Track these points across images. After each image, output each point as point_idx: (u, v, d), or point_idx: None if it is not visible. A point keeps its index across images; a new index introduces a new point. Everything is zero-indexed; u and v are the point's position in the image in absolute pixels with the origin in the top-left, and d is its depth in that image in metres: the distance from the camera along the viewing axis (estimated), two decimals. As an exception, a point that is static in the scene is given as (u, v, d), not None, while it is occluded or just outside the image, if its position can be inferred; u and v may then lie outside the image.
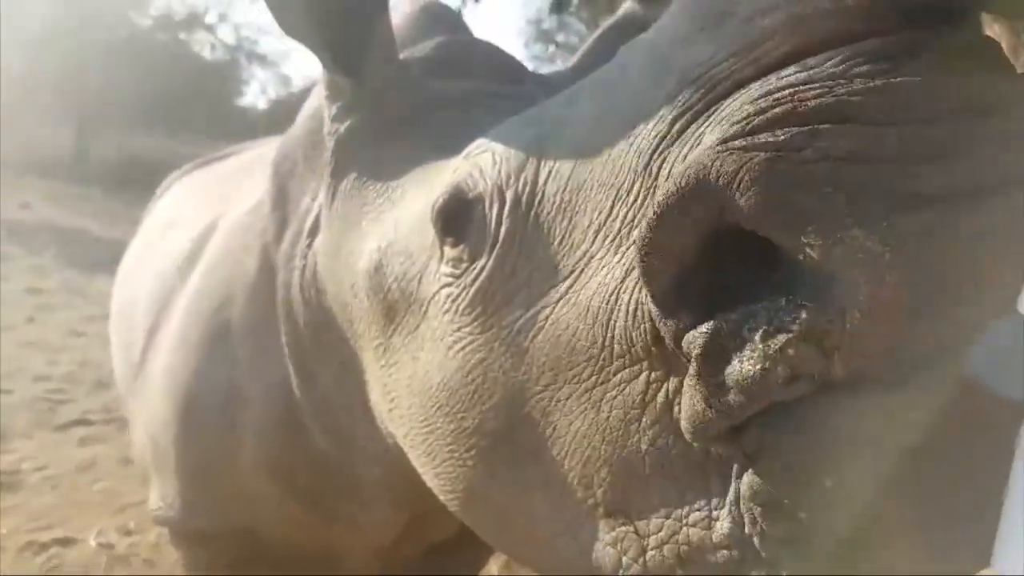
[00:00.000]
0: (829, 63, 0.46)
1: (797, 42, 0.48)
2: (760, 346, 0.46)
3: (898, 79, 0.43)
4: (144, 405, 1.61)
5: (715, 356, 0.48)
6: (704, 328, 0.49)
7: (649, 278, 0.52)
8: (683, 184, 0.48)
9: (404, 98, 1.11)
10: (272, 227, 1.36)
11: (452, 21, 1.34)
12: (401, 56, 1.17)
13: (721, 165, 0.45)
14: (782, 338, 0.45)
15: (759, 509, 0.50)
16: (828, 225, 0.43)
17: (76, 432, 4.18)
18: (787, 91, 0.46)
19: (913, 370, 0.44)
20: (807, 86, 0.45)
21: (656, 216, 0.50)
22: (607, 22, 1.27)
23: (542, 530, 0.74)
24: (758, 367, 0.46)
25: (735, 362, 0.47)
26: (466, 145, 0.97)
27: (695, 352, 0.49)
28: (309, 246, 1.25)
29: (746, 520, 0.52)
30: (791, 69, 0.47)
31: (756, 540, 0.52)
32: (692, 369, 0.51)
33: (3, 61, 15.66)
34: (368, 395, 1.13)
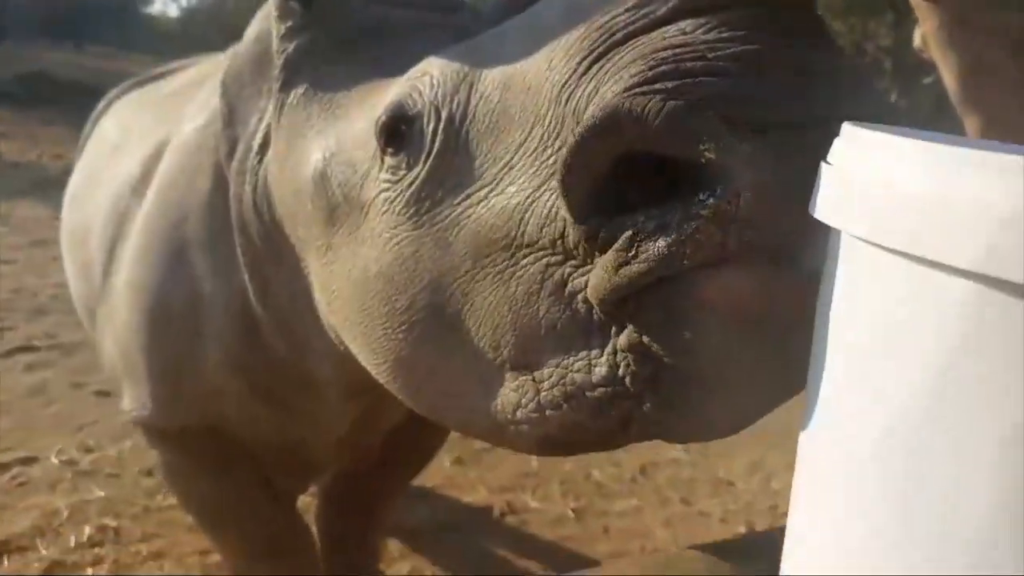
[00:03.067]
0: (700, 30, 0.62)
1: (676, 5, 0.64)
2: (675, 229, 0.61)
3: (751, 46, 0.60)
4: (111, 317, 1.70)
5: (632, 239, 0.64)
6: (629, 219, 0.65)
7: (567, 191, 0.68)
8: (599, 118, 0.62)
9: (349, 21, 1.21)
10: (224, 145, 1.44)
11: None
12: None
13: (630, 106, 0.61)
14: (694, 222, 0.60)
15: (631, 355, 0.68)
16: (716, 138, 0.58)
17: (21, 359, 4.19)
18: (670, 51, 0.61)
19: (782, 247, 0.60)
20: (685, 48, 0.61)
21: (576, 143, 0.65)
22: None
23: (458, 387, 0.91)
24: (673, 244, 0.61)
25: (653, 243, 0.62)
26: (404, 67, 1.09)
27: (619, 237, 0.64)
28: (260, 161, 1.34)
29: (620, 364, 0.70)
30: (672, 30, 0.63)
31: (628, 380, 0.69)
32: (611, 251, 0.66)
33: None
34: (313, 295, 1.27)
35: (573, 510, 3.26)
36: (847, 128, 0.49)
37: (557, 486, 3.45)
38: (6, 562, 2.60)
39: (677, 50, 0.61)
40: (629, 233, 0.64)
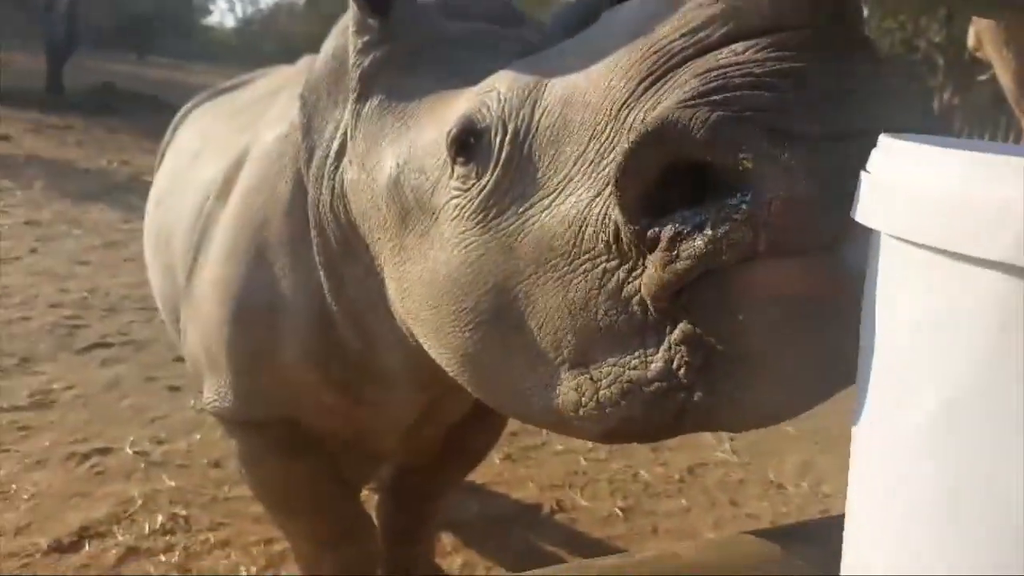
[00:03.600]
0: (749, 51, 0.67)
1: (728, 31, 0.70)
2: (710, 230, 0.68)
3: (797, 63, 0.66)
4: (196, 313, 1.83)
5: (675, 240, 0.70)
6: (672, 221, 0.71)
7: (621, 192, 0.74)
8: (652, 128, 0.69)
9: (421, 36, 1.30)
10: (304, 153, 1.55)
11: None
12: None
13: (680, 116, 0.67)
14: (728, 224, 0.67)
15: (685, 348, 0.74)
16: (755, 148, 0.64)
17: (97, 354, 4.43)
18: (721, 70, 0.68)
19: (812, 248, 0.67)
20: (735, 67, 0.67)
21: (630, 150, 0.71)
22: None
23: (521, 384, 0.98)
24: (709, 243, 0.68)
25: (692, 242, 0.69)
26: (472, 78, 1.17)
27: (666, 236, 0.71)
28: (336, 168, 1.44)
29: (674, 358, 0.76)
30: (725, 52, 0.69)
31: (681, 371, 0.75)
32: (659, 250, 0.72)
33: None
34: (386, 292, 1.36)
35: (621, 509, 3.31)
36: (883, 139, 0.54)
37: (605, 485, 3.50)
38: (87, 546, 2.77)
39: (727, 68, 0.68)
40: (671, 233, 0.70)
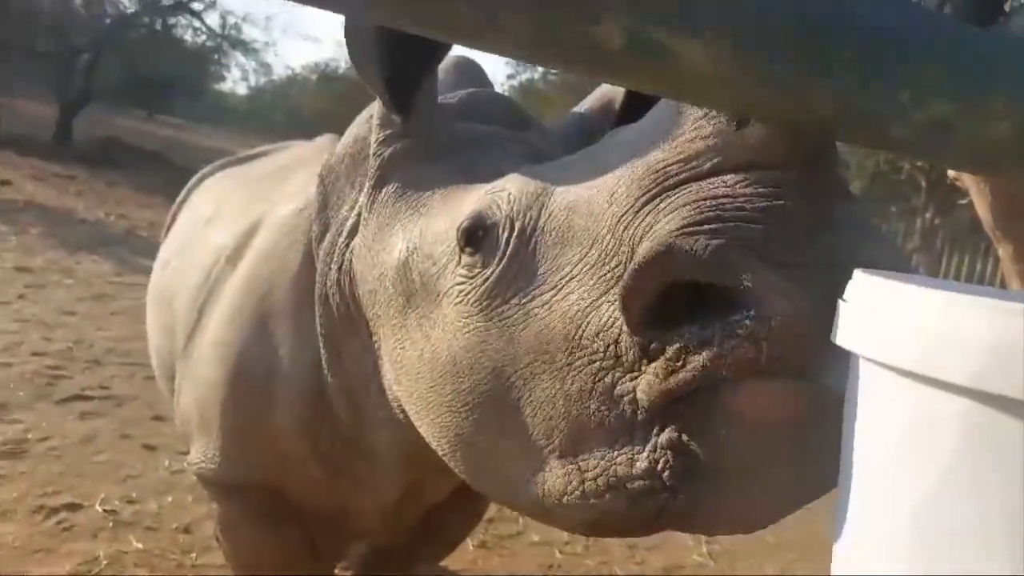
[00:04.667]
0: (738, 184, 0.76)
1: (717, 163, 0.79)
2: (716, 346, 0.73)
3: (782, 201, 0.74)
4: (193, 372, 1.86)
5: (680, 352, 0.77)
6: (677, 335, 0.77)
7: (627, 308, 0.81)
8: (657, 251, 0.76)
9: (438, 134, 1.40)
10: (317, 229, 1.63)
11: (477, 75, 1.66)
12: (439, 100, 1.45)
13: (682, 243, 0.75)
14: (733, 340, 0.72)
15: (670, 452, 0.80)
16: (752, 271, 0.72)
17: (75, 406, 4.38)
18: (714, 200, 0.76)
19: (801, 371, 0.72)
20: (727, 199, 0.75)
21: (636, 270, 0.78)
22: (584, 102, 1.58)
23: (511, 468, 1.02)
24: (714, 358, 0.74)
25: (698, 355, 0.75)
26: (481, 175, 1.27)
27: (671, 348, 0.77)
28: (347, 246, 1.51)
29: (659, 460, 0.80)
30: (716, 181, 0.77)
31: (665, 473, 0.80)
32: (660, 360, 0.78)
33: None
34: (381, 370, 1.41)
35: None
36: (858, 273, 0.62)
37: (580, 580, 3.44)
38: (45, 604, 2.69)
39: (720, 200, 0.76)
40: (677, 346, 0.77)
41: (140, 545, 3.13)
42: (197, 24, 23.06)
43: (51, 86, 18.76)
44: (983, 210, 1.80)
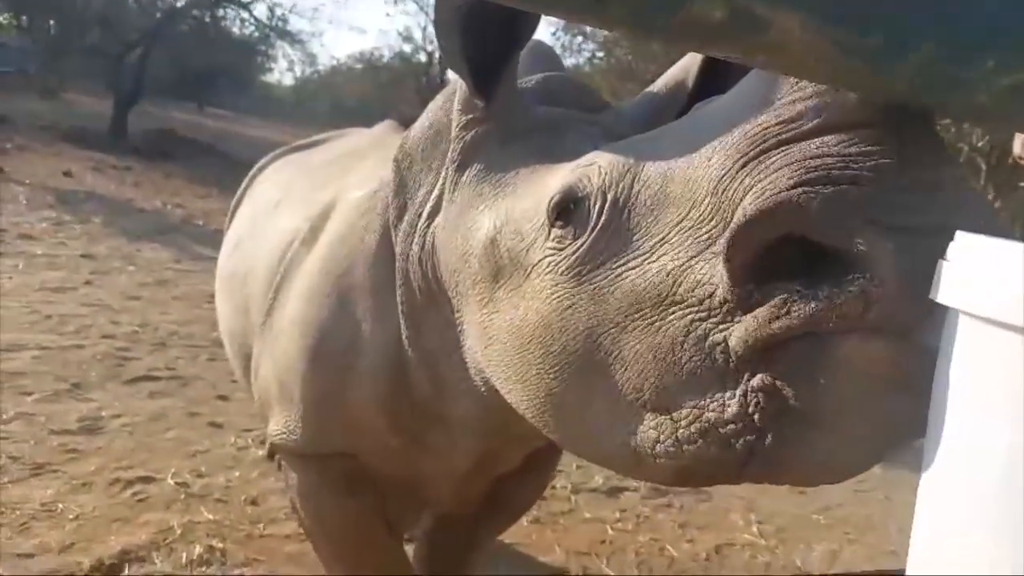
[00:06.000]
0: (841, 144, 0.78)
1: (819, 124, 0.81)
2: (826, 299, 0.76)
3: (888, 161, 0.76)
4: (272, 349, 1.95)
5: (781, 304, 0.80)
6: (780, 288, 0.80)
7: (730, 260, 0.84)
8: (768, 207, 0.79)
9: (518, 118, 1.45)
10: (394, 210, 1.70)
11: (552, 59, 1.71)
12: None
13: (796, 200, 0.77)
14: (843, 296, 0.75)
15: (762, 394, 0.83)
16: (866, 233, 0.74)
17: (144, 386, 4.58)
18: (820, 160, 0.78)
19: (904, 330, 0.75)
20: (832, 159, 0.78)
21: (744, 224, 0.82)
22: (656, 83, 1.61)
23: (601, 424, 1.07)
24: (822, 309, 0.76)
25: (805, 305, 0.78)
26: (561, 156, 1.31)
27: (777, 296, 0.80)
28: (428, 226, 1.57)
29: (751, 403, 0.84)
30: (816, 142, 0.80)
31: (756, 416, 0.84)
32: (763, 309, 0.81)
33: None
34: (463, 344, 1.47)
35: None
36: (960, 235, 0.65)
37: (632, 556, 3.50)
38: (127, 569, 2.85)
39: (826, 159, 0.78)
40: (783, 296, 0.80)
41: (211, 516, 3.28)
42: (245, 16, 23.51)
43: (105, 81, 19.34)
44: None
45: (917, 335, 0.74)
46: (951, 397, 0.64)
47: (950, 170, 0.80)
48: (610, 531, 3.68)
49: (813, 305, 0.77)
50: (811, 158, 0.79)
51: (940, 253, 0.65)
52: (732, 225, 0.84)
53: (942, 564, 0.63)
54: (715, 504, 4.07)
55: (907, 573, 0.70)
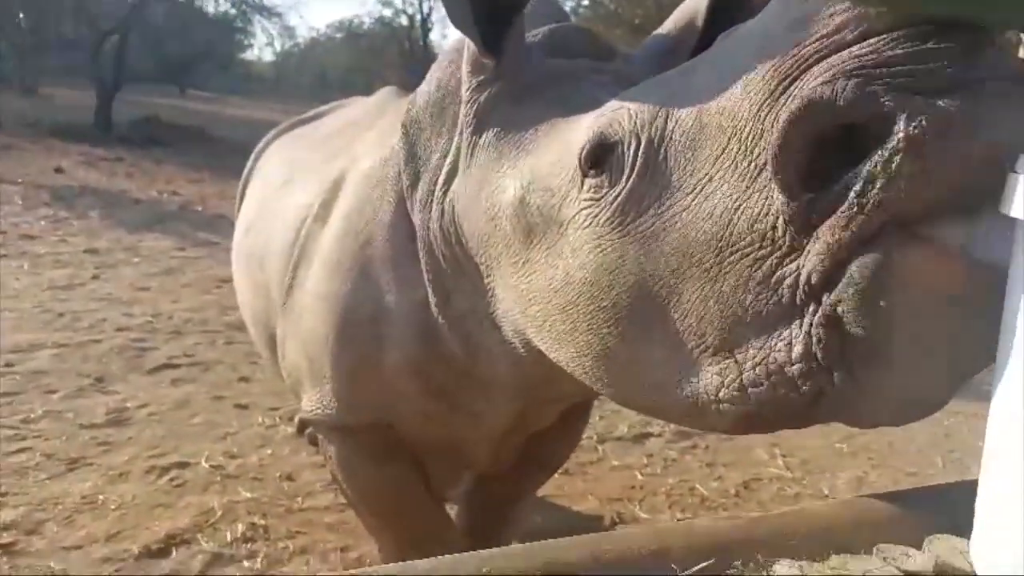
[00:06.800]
0: (882, 43, 0.76)
1: (863, 31, 0.78)
2: (883, 171, 0.73)
3: (925, 48, 0.74)
4: (297, 327, 1.96)
5: (851, 200, 0.76)
6: (837, 184, 0.77)
7: (780, 172, 0.81)
8: (797, 108, 0.78)
9: (530, 73, 1.43)
10: (408, 178, 1.69)
11: (557, 11, 1.68)
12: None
13: (820, 92, 0.76)
14: (895, 158, 0.71)
15: (824, 329, 0.81)
16: (894, 93, 0.73)
17: (166, 374, 4.62)
18: (855, 58, 0.77)
19: (955, 213, 0.73)
20: (869, 55, 0.76)
21: (780, 134, 0.80)
22: (667, 23, 1.58)
23: (658, 374, 1.04)
24: (886, 186, 0.73)
25: (870, 190, 0.74)
26: (579, 108, 1.29)
27: (839, 194, 0.77)
28: (444, 192, 1.56)
29: (814, 340, 0.82)
30: (856, 48, 0.78)
31: (820, 353, 0.82)
32: (836, 215, 0.77)
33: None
34: (496, 306, 1.47)
35: (679, 521, 3.37)
36: None
37: (663, 499, 3.57)
38: (174, 552, 2.92)
39: (864, 57, 0.77)
40: (847, 196, 0.76)
41: (249, 494, 3.34)
42: (217, -7, 22.99)
43: (85, 72, 19.04)
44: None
45: (980, 247, 0.71)
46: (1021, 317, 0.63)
47: (1004, 58, 0.76)
48: (639, 476, 3.75)
49: (878, 185, 0.73)
50: (849, 58, 0.78)
51: (991, 113, 0.63)
52: (774, 134, 0.81)
53: (1015, 490, 0.64)
54: (739, 442, 4.12)
55: (979, 499, 0.71)
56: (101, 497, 3.24)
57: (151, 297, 6.14)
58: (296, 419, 3.74)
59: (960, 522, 0.77)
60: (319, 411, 1.94)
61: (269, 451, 3.75)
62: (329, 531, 3.09)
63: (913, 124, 0.70)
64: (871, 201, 0.74)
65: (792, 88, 0.83)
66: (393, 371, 1.77)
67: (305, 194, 2.15)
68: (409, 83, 1.92)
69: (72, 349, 4.87)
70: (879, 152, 0.73)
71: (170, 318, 5.62)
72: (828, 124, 0.77)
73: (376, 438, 1.96)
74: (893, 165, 0.72)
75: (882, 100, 0.72)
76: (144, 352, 4.93)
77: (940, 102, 0.71)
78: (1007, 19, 0.77)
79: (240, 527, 3.10)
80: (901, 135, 0.71)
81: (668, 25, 1.55)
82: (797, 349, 0.84)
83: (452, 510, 2.54)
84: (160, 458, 3.64)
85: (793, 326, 0.85)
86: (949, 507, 0.82)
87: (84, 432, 3.82)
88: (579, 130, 1.22)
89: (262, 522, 3.15)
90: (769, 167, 0.83)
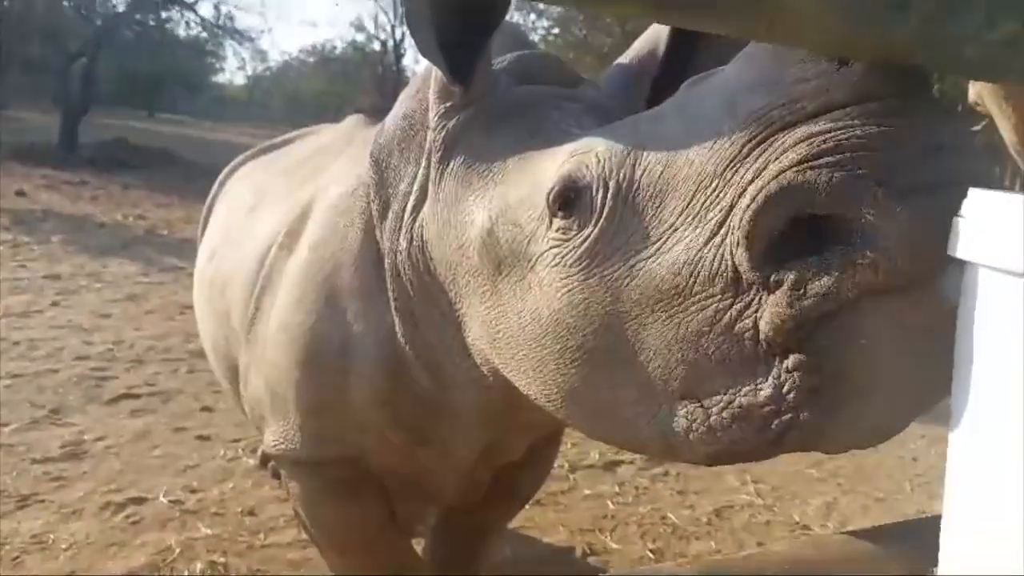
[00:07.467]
0: (847, 117, 0.78)
1: (825, 101, 0.80)
2: (836, 271, 0.77)
3: (890, 128, 0.77)
4: (261, 359, 1.91)
5: (799, 283, 0.80)
6: (800, 266, 0.81)
7: (750, 246, 0.84)
8: (780, 189, 0.80)
9: (498, 100, 1.42)
10: (377, 207, 1.65)
11: (522, 38, 1.68)
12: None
13: (805, 177, 0.78)
14: (854, 268, 0.76)
15: (797, 374, 0.83)
16: (873, 202, 0.75)
17: (125, 405, 4.49)
18: (828, 134, 0.78)
19: (918, 288, 0.76)
20: (838, 132, 0.78)
21: (758, 210, 0.82)
22: (629, 51, 1.59)
23: (628, 414, 1.05)
24: (836, 284, 0.78)
25: (822, 281, 0.78)
26: (549, 137, 1.29)
27: (790, 279, 0.81)
28: (414, 220, 1.53)
29: (785, 383, 0.84)
30: (824, 119, 0.79)
31: (791, 395, 0.84)
32: (784, 290, 0.81)
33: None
34: (465, 336, 1.44)
35: (651, 551, 3.34)
36: (973, 191, 0.65)
37: (635, 528, 3.53)
38: (128, 593, 2.80)
39: (833, 132, 0.78)
40: (796, 276, 0.80)
41: (209, 531, 3.23)
42: (190, 16, 22.93)
43: (51, 94, 18.78)
44: (1007, 131, 1.80)
45: (936, 288, 0.74)
46: (976, 350, 0.64)
47: (955, 127, 0.80)
48: (611, 505, 3.71)
49: (826, 280, 0.78)
50: (818, 134, 0.79)
51: (955, 209, 0.65)
52: (750, 211, 0.84)
53: (977, 520, 0.63)
54: (709, 469, 4.11)
55: (943, 530, 0.70)
56: (52, 536, 3.11)
57: (112, 324, 5.99)
58: (259, 451, 3.64)
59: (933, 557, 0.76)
60: (282, 445, 1.88)
61: (231, 485, 3.64)
62: (292, 568, 2.99)
63: (882, 250, 0.75)
64: (830, 287, 0.79)
65: (760, 150, 0.85)
66: (359, 403, 1.73)
67: (271, 222, 2.10)
68: (383, 108, 1.90)
69: (27, 379, 4.71)
70: (847, 248, 0.78)
71: (131, 346, 5.48)
72: (803, 211, 0.80)
73: (341, 472, 1.90)
74: (858, 265, 0.77)
75: (862, 210, 0.76)
76: (103, 382, 4.79)
77: (912, 213, 0.74)
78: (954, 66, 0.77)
79: (199, 565, 2.99)
80: (871, 258, 0.76)
81: (631, 54, 1.55)
82: (764, 393, 0.86)
83: (419, 545, 2.48)
84: (116, 493, 3.51)
85: (759, 373, 0.87)
86: (922, 542, 0.82)
87: (36, 467, 3.68)
88: (548, 167, 1.21)
89: (222, 560, 3.04)
90: (738, 231, 0.86)
